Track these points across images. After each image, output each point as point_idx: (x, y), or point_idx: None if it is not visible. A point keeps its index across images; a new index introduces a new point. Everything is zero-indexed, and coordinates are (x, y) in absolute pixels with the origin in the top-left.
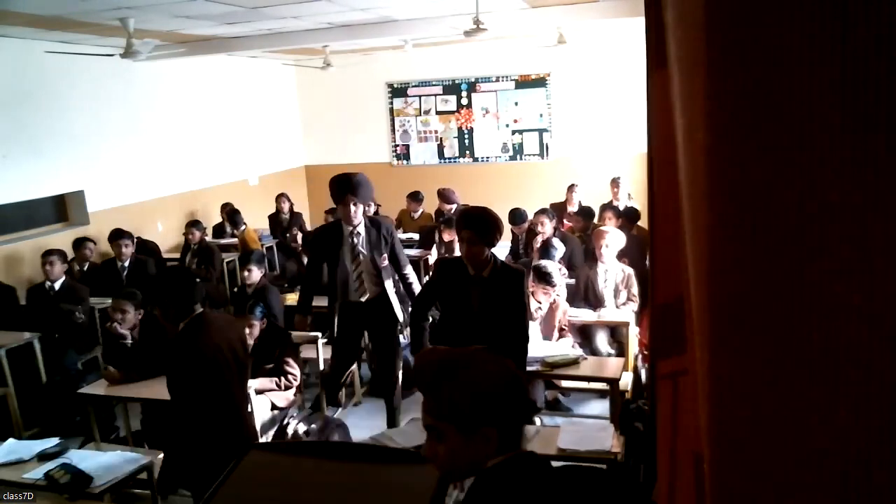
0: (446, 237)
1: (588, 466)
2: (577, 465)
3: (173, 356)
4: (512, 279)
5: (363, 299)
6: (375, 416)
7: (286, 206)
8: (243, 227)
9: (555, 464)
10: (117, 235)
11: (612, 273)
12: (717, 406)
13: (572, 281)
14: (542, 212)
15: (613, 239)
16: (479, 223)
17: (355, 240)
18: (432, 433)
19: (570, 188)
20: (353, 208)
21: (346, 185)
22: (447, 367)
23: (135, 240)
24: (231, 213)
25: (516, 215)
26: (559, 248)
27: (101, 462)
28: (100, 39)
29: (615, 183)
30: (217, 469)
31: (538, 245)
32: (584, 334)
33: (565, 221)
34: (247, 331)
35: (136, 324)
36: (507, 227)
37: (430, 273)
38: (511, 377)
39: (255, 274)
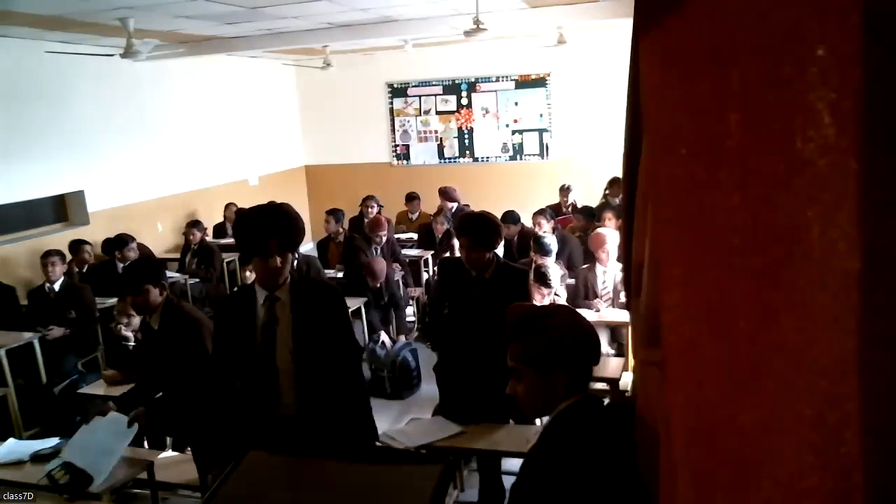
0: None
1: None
2: (615, 403)
3: (178, 339)
4: (515, 279)
5: (288, 413)
6: (375, 416)
7: None
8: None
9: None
10: (123, 243)
11: (611, 274)
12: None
13: (572, 281)
14: (541, 212)
15: (612, 241)
16: (476, 229)
17: (272, 313)
18: (514, 374)
19: (563, 190)
20: (277, 260)
21: (268, 224)
22: (530, 318)
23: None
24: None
25: (507, 217)
26: (551, 238)
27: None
28: (100, 39)
29: (616, 183)
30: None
31: (533, 243)
32: None
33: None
34: None
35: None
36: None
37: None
38: (582, 329)
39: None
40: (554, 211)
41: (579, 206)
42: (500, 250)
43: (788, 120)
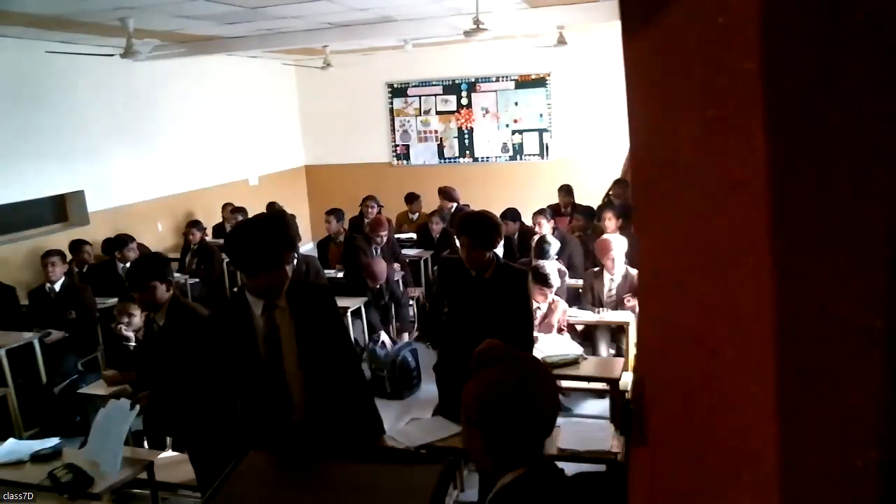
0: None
1: (598, 473)
2: (588, 472)
3: (180, 339)
4: (515, 280)
5: (297, 417)
6: None
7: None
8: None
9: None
10: (122, 243)
11: (617, 279)
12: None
13: (574, 282)
14: (541, 212)
15: (618, 246)
16: (476, 228)
17: (272, 322)
18: None
19: (562, 190)
20: (287, 269)
21: (276, 236)
22: (478, 361)
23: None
24: (233, 211)
25: (507, 214)
26: (553, 244)
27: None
28: (100, 39)
29: (620, 183)
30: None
31: (534, 244)
32: (584, 335)
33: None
34: None
35: (141, 326)
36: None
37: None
38: (522, 394)
39: None
40: (553, 211)
41: (581, 206)
42: (499, 249)
43: (724, 136)
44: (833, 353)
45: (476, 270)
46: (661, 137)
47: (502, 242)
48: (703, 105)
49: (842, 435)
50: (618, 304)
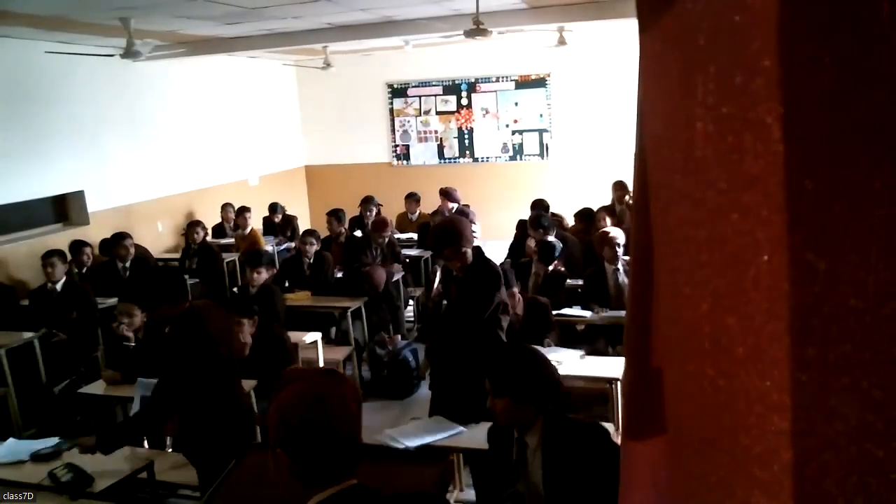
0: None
1: (419, 494)
2: (407, 494)
3: (171, 350)
4: (476, 275)
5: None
6: (375, 416)
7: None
8: (250, 228)
9: None
10: (119, 238)
11: (621, 270)
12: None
13: (574, 282)
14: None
15: (619, 237)
16: (436, 242)
17: (522, 455)
18: None
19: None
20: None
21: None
22: (277, 385)
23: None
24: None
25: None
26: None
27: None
28: (100, 39)
29: (621, 186)
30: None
31: (534, 246)
32: (584, 334)
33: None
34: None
35: (142, 326)
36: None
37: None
38: (316, 413)
39: (264, 276)
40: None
41: (596, 208)
42: (502, 249)
43: (739, 133)
44: (853, 348)
45: (456, 269)
46: (675, 134)
47: (505, 243)
48: (719, 102)
49: (862, 428)
50: (621, 298)
